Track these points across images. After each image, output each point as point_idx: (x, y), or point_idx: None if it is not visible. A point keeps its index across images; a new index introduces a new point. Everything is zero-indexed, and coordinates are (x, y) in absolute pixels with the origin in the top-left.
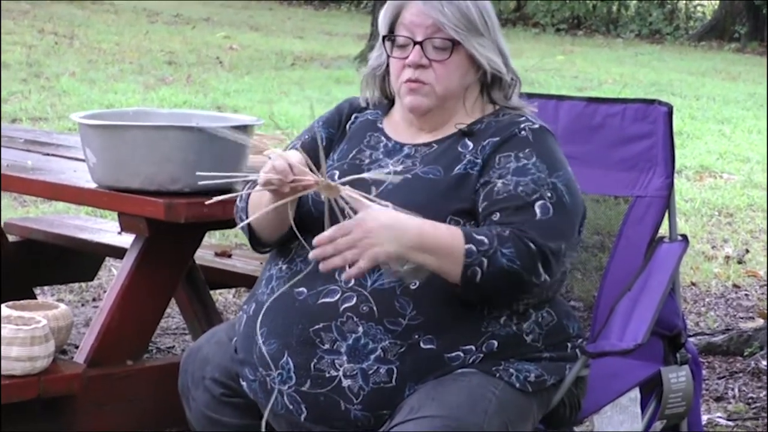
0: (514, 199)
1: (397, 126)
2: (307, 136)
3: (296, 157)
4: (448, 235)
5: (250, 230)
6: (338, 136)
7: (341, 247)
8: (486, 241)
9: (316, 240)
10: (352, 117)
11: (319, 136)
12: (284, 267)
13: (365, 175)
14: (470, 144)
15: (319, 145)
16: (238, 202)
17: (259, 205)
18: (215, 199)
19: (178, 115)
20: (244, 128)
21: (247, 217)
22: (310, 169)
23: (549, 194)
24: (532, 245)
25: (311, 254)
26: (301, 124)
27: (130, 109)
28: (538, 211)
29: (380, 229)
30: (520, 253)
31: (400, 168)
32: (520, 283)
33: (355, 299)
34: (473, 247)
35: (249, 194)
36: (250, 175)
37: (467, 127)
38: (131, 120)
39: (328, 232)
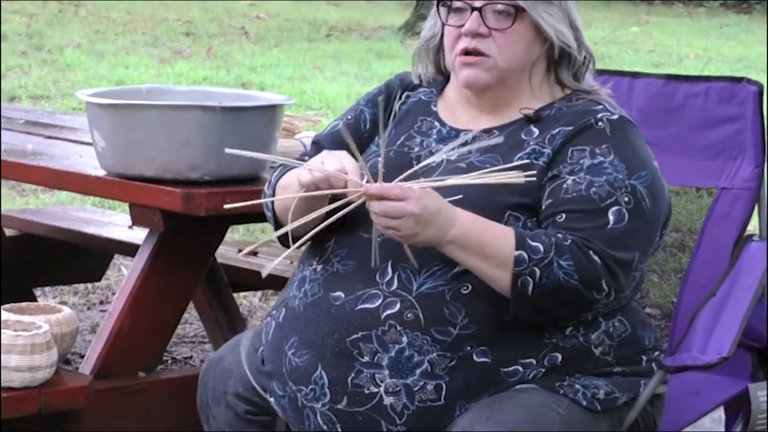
0: (585, 202)
1: (454, 107)
2: (350, 117)
3: (350, 164)
4: (498, 235)
5: (276, 222)
6: (386, 118)
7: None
8: (541, 248)
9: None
10: (403, 96)
11: (384, 138)
12: (319, 268)
13: (416, 168)
14: (536, 131)
15: (381, 152)
16: (266, 188)
17: (285, 191)
18: (233, 205)
19: (198, 93)
20: (273, 109)
21: (273, 211)
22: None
23: (626, 199)
24: (596, 258)
25: (365, 188)
26: (338, 104)
27: (143, 87)
28: (611, 217)
29: (425, 213)
30: (581, 266)
31: (454, 157)
32: (579, 299)
33: (398, 305)
34: (524, 255)
35: (277, 180)
36: (283, 158)
37: (534, 113)
38: (144, 99)
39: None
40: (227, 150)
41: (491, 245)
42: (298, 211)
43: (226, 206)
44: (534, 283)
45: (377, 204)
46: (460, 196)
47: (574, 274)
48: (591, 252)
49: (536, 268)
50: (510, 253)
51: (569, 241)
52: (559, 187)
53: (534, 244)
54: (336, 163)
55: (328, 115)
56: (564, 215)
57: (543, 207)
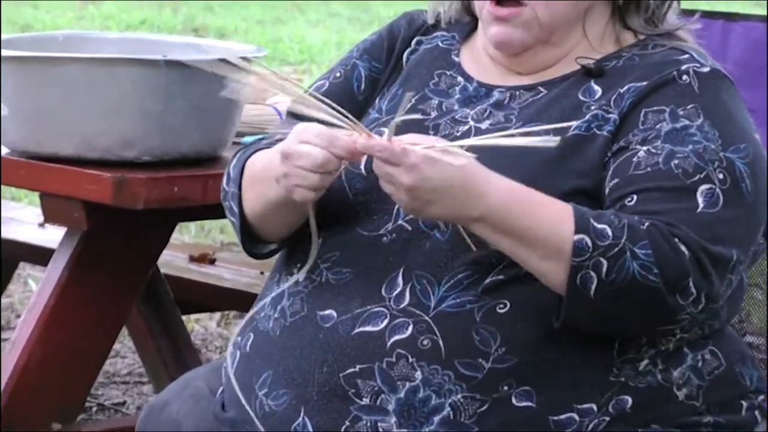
0: (664, 178)
1: (481, 58)
2: (339, 74)
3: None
4: (550, 214)
5: (243, 221)
6: (389, 73)
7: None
8: (609, 232)
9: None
10: (412, 43)
11: (409, 103)
12: (302, 277)
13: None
14: (598, 90)
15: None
16: (227, 173)
17: (261, 182)
18: None
19: (134, 42)
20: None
21: (239, 201)
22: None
23: (721, 176)
24: (682, 248)
25: (354, 139)
26: (324, 56)
27: (59, 33)
28: (700, 200)
29: (423, 185)
30: (662, 257)
31: (485, 126)
32: (657, 304)
33: (410, 328)
34: (587, 240)
35: (245, 160)
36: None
37: (595, 64)
38: (61, 50)
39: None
40: (186, 60)
41: (540, 227)
42: (282, 213)
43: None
44: (599, 279)
45: (375, 163)
46: None
47: (654, 267)
48: (677, 240)
49: (602, 259)
50: (567, 238)
51: (647, 224)
52: (627, 162)
53: (600, 226)
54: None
55: (311, 71)
56: (635, 197)
57: (607, 191)
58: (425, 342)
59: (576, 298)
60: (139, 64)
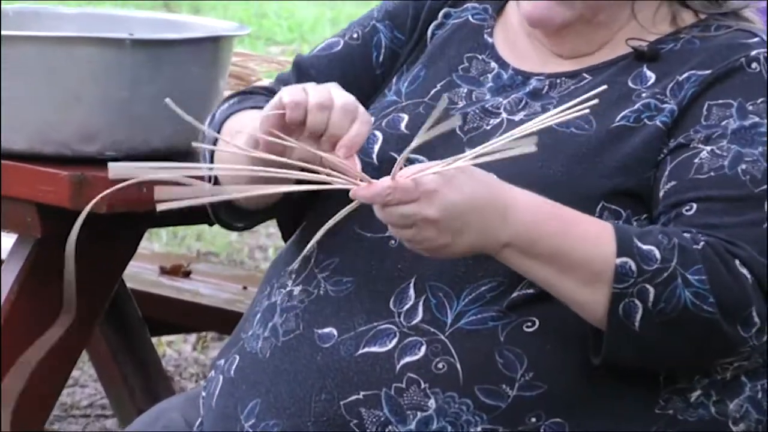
0: (729, 185)
1: (517, 39)
2: (356, 35)
3: (343, 100)
4: (587, 233)
5: (216, 184)
6: (411, 48)
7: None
8: (657, 254)
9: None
10: (439, 15)
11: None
12: (297, 290)
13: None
14: (651, 76)
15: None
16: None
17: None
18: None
19: (96, 17)
20: (215, 43)
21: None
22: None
23: None
24: (744, 271)
25: (352, 192)
26: (317, 34)
27: (8, 7)
28: None
29: (450, 212)
30: (719, 283)
31: (519, 117)
32: (713, 337)
33: (423, 349)
34: (631, 264)
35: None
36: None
37: (648, 46)
38: (12, 27)
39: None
40: (168, 101)
41: (575, 250)
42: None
43: (160, 202)
44: (644, 308)
45: (377, 209)
46: None
47: (709, 296)
48: (737, 262)
49: (649, 286)
50: (608, 262)
51: (702, 243)
52: (687, 162)
53: (646, 247)
54: (321, 94)
55: (302, 52)
56: (695, 205)
57: (661, 194)
58: (440, 365)
59: (618, 331)
60: (101, 44)
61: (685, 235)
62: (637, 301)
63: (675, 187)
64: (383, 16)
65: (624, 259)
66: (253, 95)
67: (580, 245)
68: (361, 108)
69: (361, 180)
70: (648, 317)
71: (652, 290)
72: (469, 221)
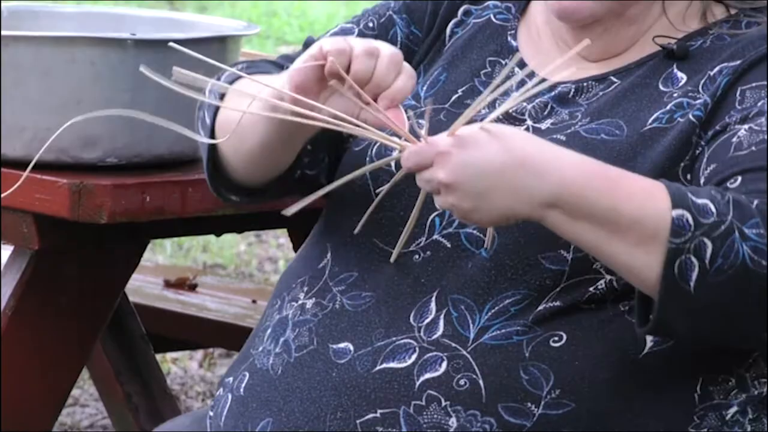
0: None
1: (542, 40)
2: (372, 23)
3: (391, 49)
4: (639, 189)
5: (213, 151)
6: (428, 47)
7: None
8: (712, 208)
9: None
10: (459, 12)
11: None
12: (310, 303)
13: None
14: (682, 77)
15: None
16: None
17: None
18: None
19: (95, 16)
20: (222, 43)
21: (214, 113)
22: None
23: None
24: None
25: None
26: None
27: (3, 6)
28: None
29: (463, 175)
30: None
31: (545, 126)
32: None
33: (444, 364)
34: (687, 217)
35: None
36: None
37: (677, 44)
38: (7, 27)
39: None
40: (142, 68)
41: (627, 207)
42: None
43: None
44: (701, 267)
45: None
46: None
47: None
48: None
49: (707, 240)
50: (663, 216)
51: (756, 201)
52: (726, 143)
53: (701, 201)
54: (367, 42)
55: None
56: (739, 177)
57: (702, 180)
58: (462, 381)
59: (672, 293)
60: (102, 44)
61: (738, 195)
62: (693, 258)
63: (716, 169)
64: (400, 9)
65: (680, 211)
66: (258, 65)
67: (632, 202)
68: (406, 63)
69: (405, 139)
70: (703, 276)
71: (710, 245)
72: (494, 183)
